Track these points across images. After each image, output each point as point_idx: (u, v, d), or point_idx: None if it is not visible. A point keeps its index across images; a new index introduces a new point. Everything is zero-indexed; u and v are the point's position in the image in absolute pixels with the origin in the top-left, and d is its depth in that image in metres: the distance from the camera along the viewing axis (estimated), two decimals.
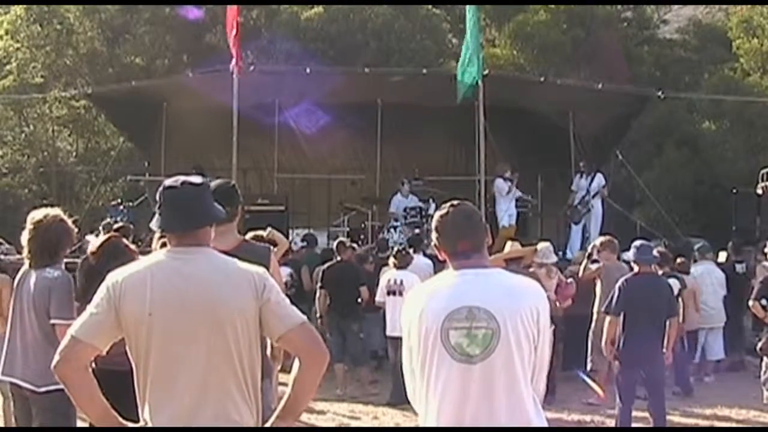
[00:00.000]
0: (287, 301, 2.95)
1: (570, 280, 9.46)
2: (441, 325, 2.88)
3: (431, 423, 2.93)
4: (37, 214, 4.70)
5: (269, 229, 7.05)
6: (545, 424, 2.98)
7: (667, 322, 7.23)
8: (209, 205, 3.02)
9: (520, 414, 2.90)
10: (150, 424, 2.83)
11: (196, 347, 2.80)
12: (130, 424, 2.89)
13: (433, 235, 3.14)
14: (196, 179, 3.03)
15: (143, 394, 2.86)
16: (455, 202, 3.15)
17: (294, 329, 2.86)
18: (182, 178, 3.01)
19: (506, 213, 13.23)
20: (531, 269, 8.67)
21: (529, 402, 2.93)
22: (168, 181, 3.00)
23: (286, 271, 10.67)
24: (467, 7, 12.14)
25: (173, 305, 2.81)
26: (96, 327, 2.84)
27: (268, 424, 2.92)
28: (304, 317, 2.93)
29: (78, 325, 2.86)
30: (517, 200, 13.64)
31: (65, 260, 4.84)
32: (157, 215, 2.97)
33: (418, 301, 3.01)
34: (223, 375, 2.82)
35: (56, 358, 2.82)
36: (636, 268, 7.33)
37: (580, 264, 9.83)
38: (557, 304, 9.11)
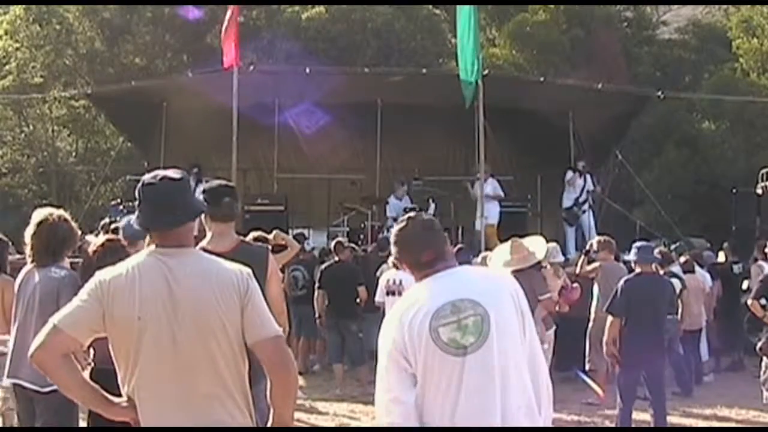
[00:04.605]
0: (267, 309, 2.94)
1: (575, 285, 9.39)
2: (429, 327, 2.84)
3: (446, 423, 2.86)
4: (41, 213, 4.74)
5: (275, 231, 7.04)
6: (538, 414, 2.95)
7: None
8: (189, 200, 2.98)
9: (526, 395, 2.90)
10: (142, 422, 2.84)
11: (184, 350, 2.80)
12: (123, 402, 2.86)
13: (393, 250, 3.11)
14: (176, 174, 2.96)
15: (129, 393, 2.85)
16: (412, 214, 3.15)
17: (265, 341, 2.85)
18: (161, 173, 2.95)
19: (493, 213, 13.09)
20: (541, 269, 8.59)
21: (529, 384, 2.92)
22: (147, 177, 2.96)
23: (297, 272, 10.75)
24: (463, 7, 12.07)
25: (161, 310, 2.80)
26: (80, 320, 2.82)
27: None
28: (279, 330, 2.92)
29: (62, 315, 2.83)
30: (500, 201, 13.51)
31: (69, 260, 4.86)
32: (137, 212, 2.94)
33: (398, 319, 2.93)
34: (211, 377, 2.81)
35: (34, 345, 2.79)
36: (638, 269, 7.34)
37: (577, 263, 9.83)
38: (558, 306, 9.08)
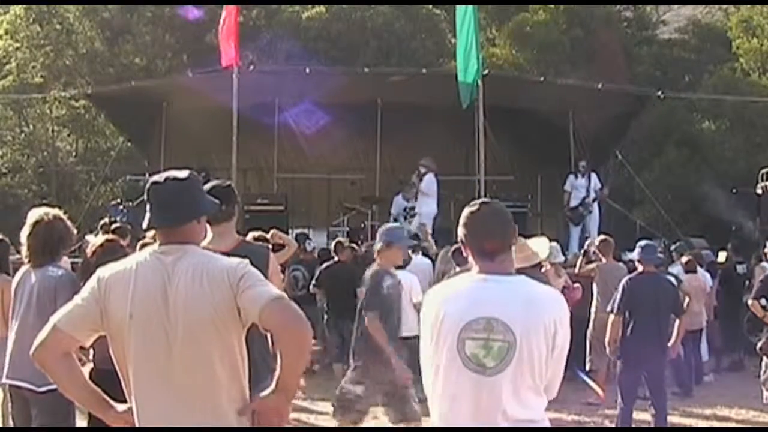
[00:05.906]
0: (263, 282, 2.82)
1: (577, 285, 9.38)
2: (458, 334, 2.83)
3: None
4: (36, 213, 4.74)
5: (273, 230, 7.03)
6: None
7: (675, 322, 7.27)
8: (196, 199, 2.97)
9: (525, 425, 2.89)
10: (138, 423, 2.83)
11: (178, 350, 2.77)
12: (120, 407, 2.87)
13: (461, 231, 3.01)
14: (182, 174, 2.95)
15: (129, 393, 2.85)
16: (486, 200, 3.09)
17: (266, 306, 2.70)
18: (169, 173, 2.95)
19: (426, 210, 12.83)
20: (543, 269, 8.57)
21: (537, 413, 2.91)
22: (154, 177, 2.96)
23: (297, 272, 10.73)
24: (462, 7, 12.06)
25: (153, 309, 2.78)
26: (79, 319, 2.82)
27: (261, 396, 2.83)
28: (280, 293, 2.79)
29: (61, 314, 2.83)
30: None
31: (69, 261, 4.84)
32: (147, 212, 2.94)
33: (436, 303, 2.94)
34: (206, 377, 2.78)
35: (35, 344, 2.80)
36: (640, 268, 7.33)
37: (575, 264, 9.81)
38: None
